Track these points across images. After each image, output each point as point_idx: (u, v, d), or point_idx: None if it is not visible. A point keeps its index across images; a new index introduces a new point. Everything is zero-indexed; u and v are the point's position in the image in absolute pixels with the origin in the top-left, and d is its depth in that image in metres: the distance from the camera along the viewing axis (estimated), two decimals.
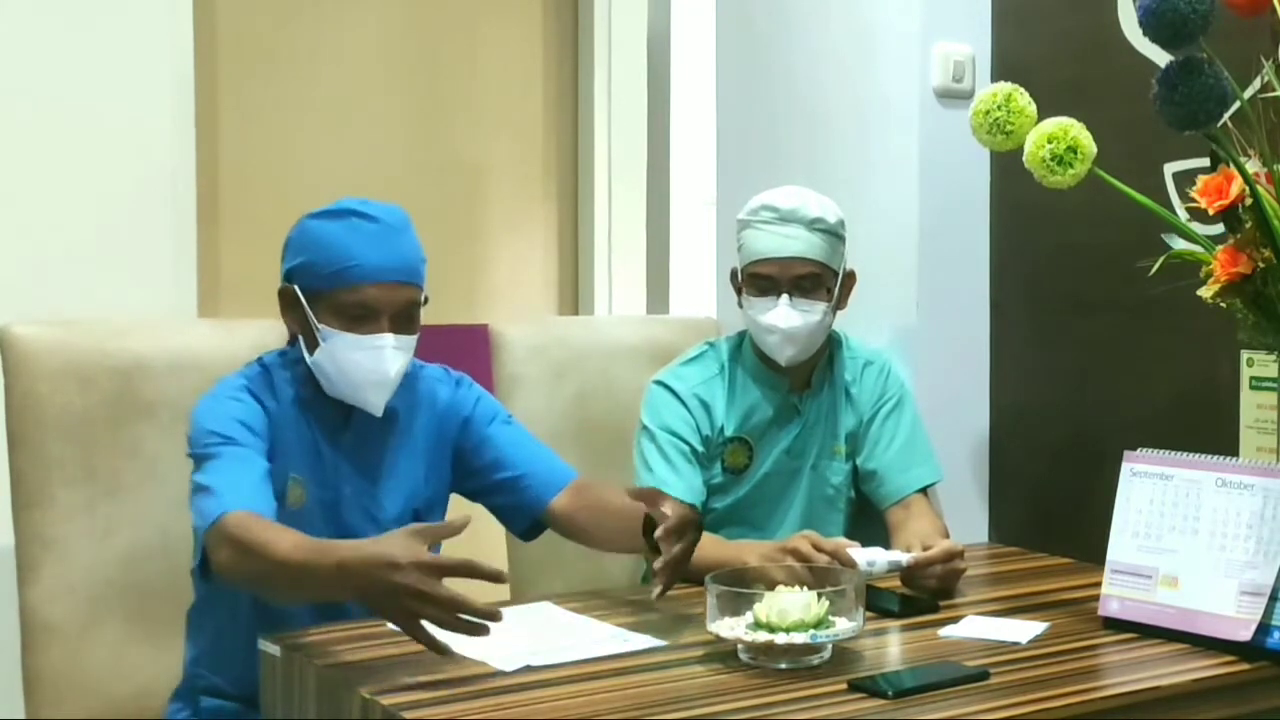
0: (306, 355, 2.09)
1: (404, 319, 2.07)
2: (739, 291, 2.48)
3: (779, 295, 2.39)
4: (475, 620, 1.70)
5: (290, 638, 1.93)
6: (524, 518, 2.26)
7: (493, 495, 2.26)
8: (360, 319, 2.03)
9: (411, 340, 2.10)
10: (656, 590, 1.95)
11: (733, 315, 2.59)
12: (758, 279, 2.42)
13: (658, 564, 1.93)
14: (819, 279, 2.40)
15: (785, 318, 2.39)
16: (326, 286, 2.04)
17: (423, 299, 2.12)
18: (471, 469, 2.25)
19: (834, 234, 2.41)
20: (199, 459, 2.01)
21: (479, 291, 3.66)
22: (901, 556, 2.15)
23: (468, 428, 2.23)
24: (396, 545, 1.72)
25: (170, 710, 2.21)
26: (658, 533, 1.93)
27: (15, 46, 2.80)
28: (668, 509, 1.96)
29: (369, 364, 2.04)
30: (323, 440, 2.12)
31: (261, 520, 1.88)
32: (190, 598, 2.20)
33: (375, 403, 2.09)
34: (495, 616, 1.70)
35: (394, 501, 2.16)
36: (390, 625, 1.78)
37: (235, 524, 1.86)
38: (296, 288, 2.07)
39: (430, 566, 1.70)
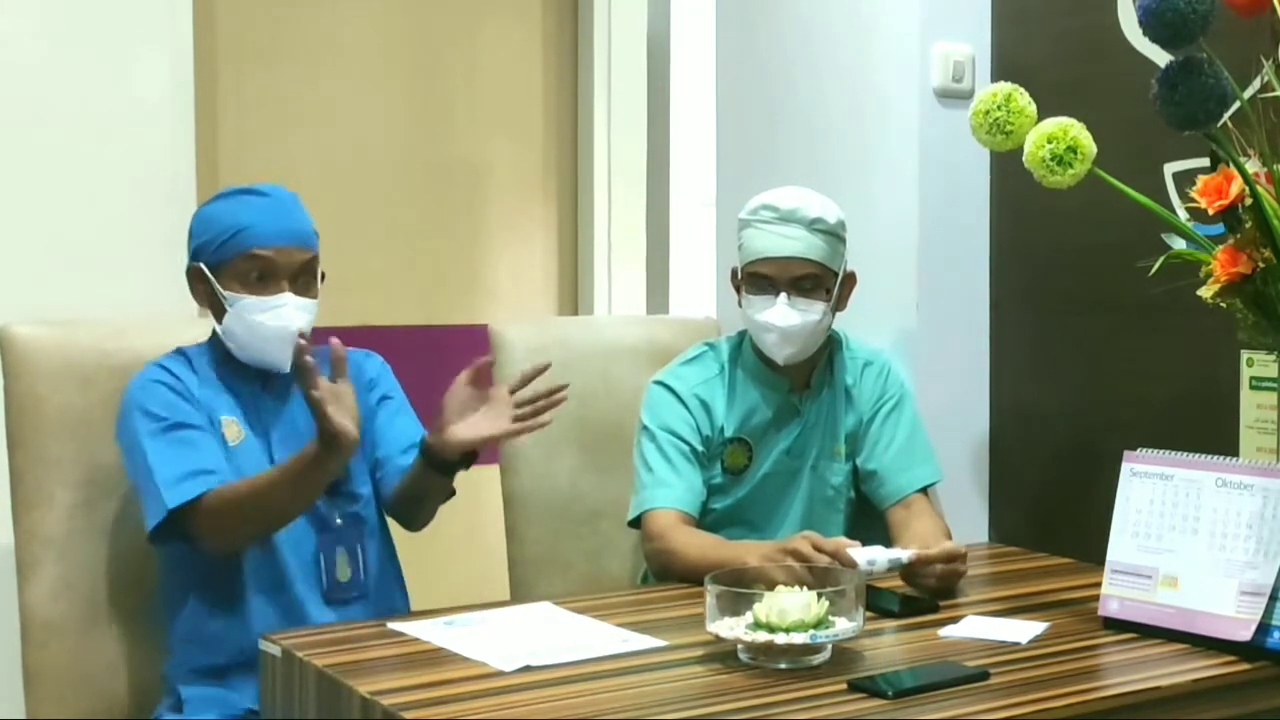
0: (218, 328, 2.22)
1: (302, 281, 2.21)
2: (739, 291, 2.48)
3: (777, 294, 2.39)
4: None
5: (290, 638, 1.93)
6: (382, 498, 2.35)
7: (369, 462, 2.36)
8: (261, 280, 2.18)
9: (312, 304, 2.23)
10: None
11: (733, 315, 2.59)
12: (756, 278, 2.42)
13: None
14: (818, 279, 2.40)
15: (783, 316, 2.39)
16: (228, 256, 2.18)
17: (320, 272, 2.25)
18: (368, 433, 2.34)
19: (834, 235, 2.41)
20: (131, 447, 2.15)
21: (479, 291, 3.66)
22: (903, 553, 2.15)
23: (373, 389, 2.35)
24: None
25: (158, 711, 2.22)
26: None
27: (15, 46, 2.80)
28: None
29: (272, 322, 2.18)
30: (245, 399, 2.24)
31: (231, 484, 2.11)
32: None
33: (281, 358, 2.20)
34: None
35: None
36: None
37: (216, 498, 2.09)
38: (202, 265, 2.20)
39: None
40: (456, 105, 3.61)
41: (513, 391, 2.21)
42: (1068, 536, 2.54)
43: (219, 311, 2.21)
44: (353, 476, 2.27)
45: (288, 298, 2.19)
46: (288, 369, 2.21)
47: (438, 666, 1.79)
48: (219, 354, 2.25)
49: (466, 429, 2.18)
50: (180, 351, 2.25)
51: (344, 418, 2.00)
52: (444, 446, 2.18)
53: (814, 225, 2.39)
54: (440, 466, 2.21)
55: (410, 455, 2.29)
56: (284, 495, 2.09)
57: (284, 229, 2.20)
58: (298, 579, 2.20)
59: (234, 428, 2.21)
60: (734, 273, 2.49)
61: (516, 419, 2.18)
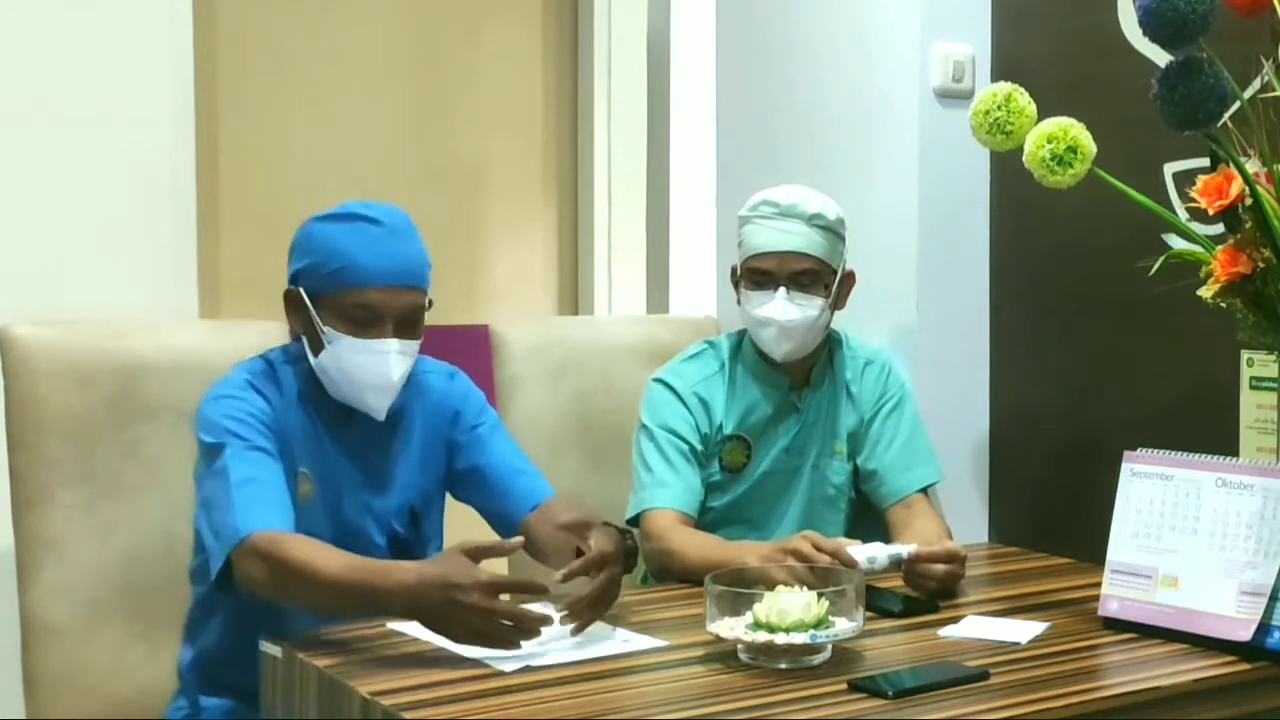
0: (311, 357, 2.10)
1: (408, 324, 2.08)
2: (738, 289, 2.48)
3: (776, 289, 2.39)
4: (530, 628, 1.81)
5: (291, 638, 1.93)
6: (503, 526, 2.25)
7: (474, 498, 2.28)
8: (364, 323, 2.04)
9: (415, 345, 2.11)
10: (570, 626, 1.90)
11: (733, 315, 2.59)
12: (756, 273, 2.42)
13: (569, 604, 1.91)
14: (817, 275, 2.41)
15: (782, 311, 2.39)
16: (330, 289, 2.05)
17: (427, 302, 2.13)
18: (457, 469, 2.26)
19: (833, 231, 2.42)
20: (211, 459, 2.02)
21: (479, 291, 3.66)
22: (903, 549, 2.15)
23: (458, 421, 2.25)
24: (456, 566, 1.81)
25: (171, 710, 2.21)
26: (559, 575, 1.94)
27: (15, 46, 2.80)
28: (594, 541, 1.98)
29: (373, 368, 2.06)
30: (325, 436, 2.13)
31: (296, 539, 1.93)
32: (188, 598, 2.20)
33: (378, 407, 2.10)
34: (546, 621, 1.81)
35: (392, 497, 2.18)
36: (446, 642, 1.84)
37: (269, 543, 1.91)
38: (302, 290, 2.08)
39: (491, 586, 1.79)
40: (456, 105, 3.61)
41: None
42: (1068, 536, 2.54)
43: (315, 344, 2.08)
44: (423, 538, 2.20)
45: (392, 344, 2.05)
46: (381, 417, 2.11)
47: (438, 666, 1.79)
48: (309, 370, 2.11)
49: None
50: (266, 362, 2.13)
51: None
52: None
53: (813, 220, 2.39)
54: None
55: (522, 478, 2.23)
56: (334, 596, 1.88)
57: (398, 268, 2.06)
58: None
59: (305, 485, 2.09)
60: (733, 271, 2.50)
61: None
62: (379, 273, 2.04)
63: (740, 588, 1.85)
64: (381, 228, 2.08)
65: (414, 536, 2.19)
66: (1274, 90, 2.02)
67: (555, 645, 1.87)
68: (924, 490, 2.49)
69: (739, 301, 2.48)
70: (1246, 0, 1.94)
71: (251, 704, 2.08)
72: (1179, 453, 2.00)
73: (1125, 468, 2.04)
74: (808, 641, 1.76)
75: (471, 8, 3.62)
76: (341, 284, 2.04)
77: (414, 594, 1.80)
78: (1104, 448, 2.40)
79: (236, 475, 1.98)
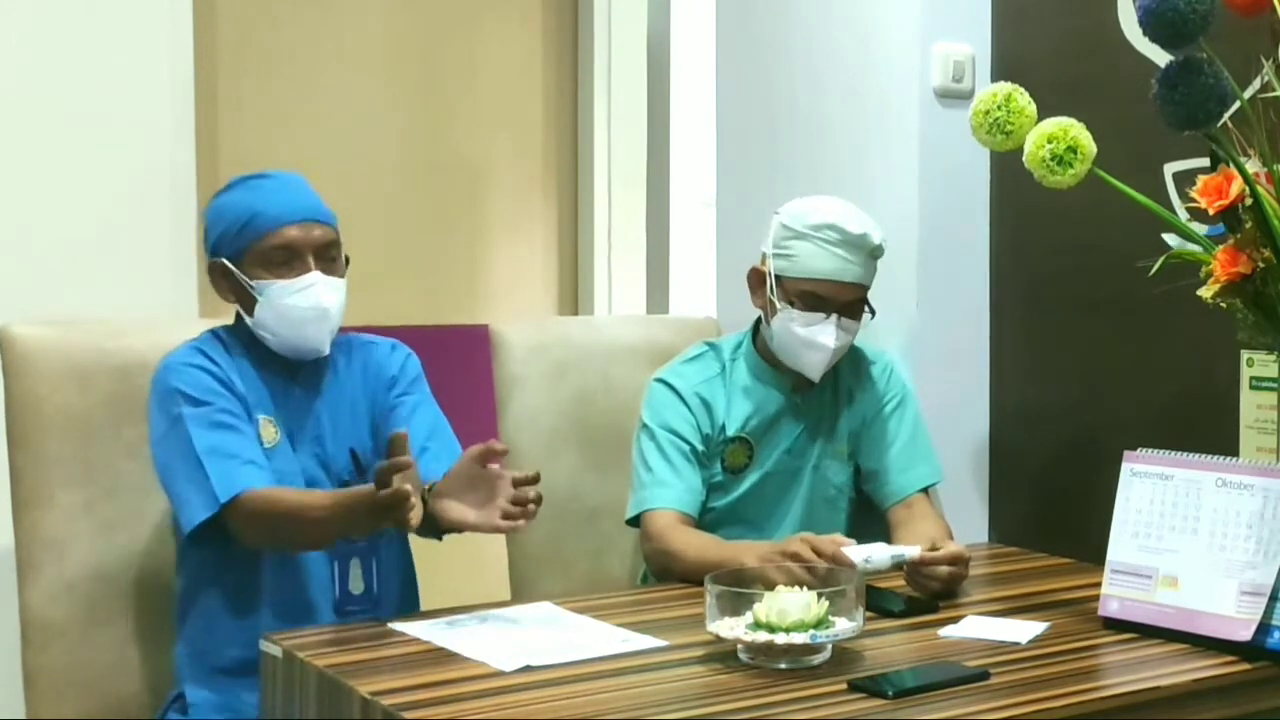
0: (249, 320, 2.18)
1: (326, 258, 2.18)
2: (769, 291, 2.42)
3: (829, 315, 2.39)
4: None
5: (291, 638, 1.93)
6: None
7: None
8: (285, 261, 2.14)
9: (340, 283, 2.19)
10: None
11: (733, 315, 2.58)
12: (811, 296, 2.39)
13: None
14: (864, 301, 2.43)
15: (835, 338, 2.39)
16: (247, 243, 2.15)
17: (344, 257, 2.22)
18: (382, 431, 2.29)
19: (880, 257, 2.43)
20: (174, 428, 2.10)
21: (479, 291, 3.66)
22: (907, 550, 2.15)
23: (393, 387, 2.31)
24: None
25: (165, 709, 2.22)
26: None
27: (15, 46, 2.80)
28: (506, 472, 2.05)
29: (304, 302, 2.14)
30: (275, 391, 2.21)
31: (278, 490, 2.08)
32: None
33: (319, 338, 2.17)
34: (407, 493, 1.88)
35: (338, 448, 2.24)
36: None
37: (260, 500, 2.05)
38: (223, 259, 2.17)
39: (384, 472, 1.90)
40: (456, 105, 3.61)
41: (517, 484, 2.02)
42: (1068, 536, 2.54)
43: (248, 303, 2.16)
44: (368, 483, 2.24)
45: (316, 276, 2.14)
46: (325, 350, 2.19)
47: (438, 666, 1.80)
48: (249, 338, 2.20)
49: (455, 511, 2.02)
50: (213, 333, 2.22)
51: (416, 513, 1.92)
52: (434, 514, 2.06)
53: (874, 253, 2.40)
54: (430, 528, 2.13)
55: (425, 455, 2.23)
56: (325, 531, 2.04)
57: (300, 206, 2.16)
58: (310, 587, 2.18)
59: (270, 429, 2.18)
60: (762, 274, 2.44)
61: (506, 515, 1.99)
62: (287, 210, 2.15)
63: (740, 588, 1.85)
64: (276, 180, 2.20)
65: (359, 481, 2.21)
66: (1274, 90, 2.02)
67: (555, 645, 1.87)
68: (925, 490, 2.49)
69: (771, 310, 2.42)
70: (1246, 0, 1.94)
71: (237, 690, 2.13)
72: (1179, 453, 2.00)
73: (1125, 468, 2.04)
74: (808, 641, 1.76)
75: (471, 8, 3.62)
76: (256, 233, 2.14)
77: (362, 503, 1.95)
78: (1104, 448, 2.40)
79: (202, 443, 2.08)
